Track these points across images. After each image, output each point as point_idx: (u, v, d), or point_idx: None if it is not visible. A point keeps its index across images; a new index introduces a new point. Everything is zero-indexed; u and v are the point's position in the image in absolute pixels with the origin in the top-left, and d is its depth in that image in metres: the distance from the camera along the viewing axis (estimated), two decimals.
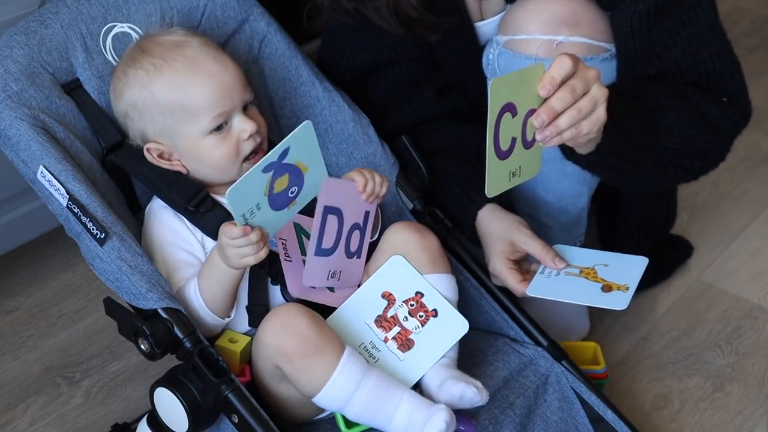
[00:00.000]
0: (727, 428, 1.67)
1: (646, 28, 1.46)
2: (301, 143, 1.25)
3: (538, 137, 1.26)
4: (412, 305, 1.39)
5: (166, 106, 1.36)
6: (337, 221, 1.35)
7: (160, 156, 1.40)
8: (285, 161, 1.24)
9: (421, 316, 1.38)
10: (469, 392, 1.32)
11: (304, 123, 1.25)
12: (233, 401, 1.25)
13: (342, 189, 1.35)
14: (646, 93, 1.46)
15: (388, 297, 1.38)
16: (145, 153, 1.40)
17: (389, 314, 1.38)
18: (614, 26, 1.49)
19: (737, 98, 1.51)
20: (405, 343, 1.37)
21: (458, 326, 1.39)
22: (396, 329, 1.37)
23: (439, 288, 1.41)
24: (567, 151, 1.43)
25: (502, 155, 1.26)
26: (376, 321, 1.37)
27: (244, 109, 1.39)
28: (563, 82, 1.23)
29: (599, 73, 1.27)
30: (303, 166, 1.28)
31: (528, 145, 1.28)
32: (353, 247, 1.39)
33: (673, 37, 1.46)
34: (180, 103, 1.36)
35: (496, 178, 1.27)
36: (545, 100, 1.24)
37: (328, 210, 1.33)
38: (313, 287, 1.38)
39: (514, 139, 1.26)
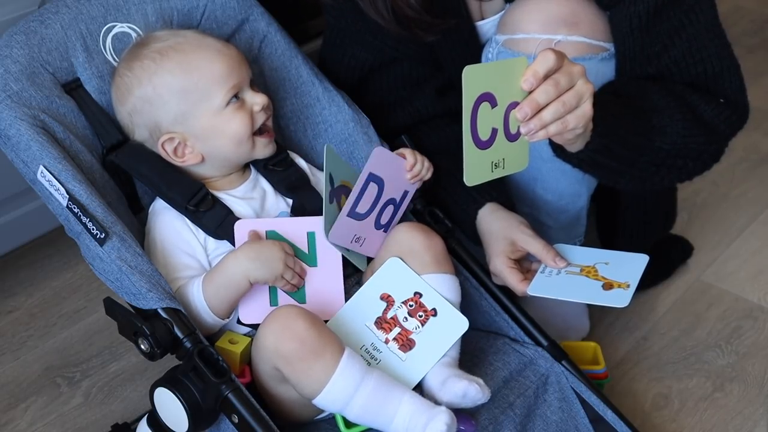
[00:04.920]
0: (727, 428, 1.67)
1: (645, 28, 1.46)
2: (334, 164, 1.40)
3: (522, 130, 1.26)
4: (411, 305, 1.39)
5: (179, 89, 1.37)
6: (377, 190, 1.38)
7: (175, 151, 1.40)
8: (336, 185, 1.39)
9: (420, 316, 1.38)
10: (472, 390, 1.32)
11: (325, 147, 1.37)
12: (233, 401, 1.25)
13: (390, 162, 1.41)
14: (641, 93, 1.46)
15: (387, 299, 1.39)
16: (159, 149, 1.40)
17: (389, 315, 1.38)
18: (613, 26, 1.49)
19: (735, 99, 1.51)
20: (406, 343, 1.37)
21: (458, 324, 1.39)
22: (396, 330, 1.37)
23: (441, 288, 1.41)
24: (557, 149, 1.43)
25: (482, 145, 1.25)
26: (376, 323, 1.37)
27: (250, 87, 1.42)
28: (548, 77, 1.23)
29: (585, 69, 1.26)
30: (348, 183, 1.42)
31: (512, 138, 1.28)
32: (383, 220, 1.42)
33: (672, 37, 1.46)
34: (192, 82, 1.37)
35: (476, 168, 1.27)
36: (529, 93, 1.24)
37: (372, 177, 1.37)
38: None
39: (495, 130, 1.26)
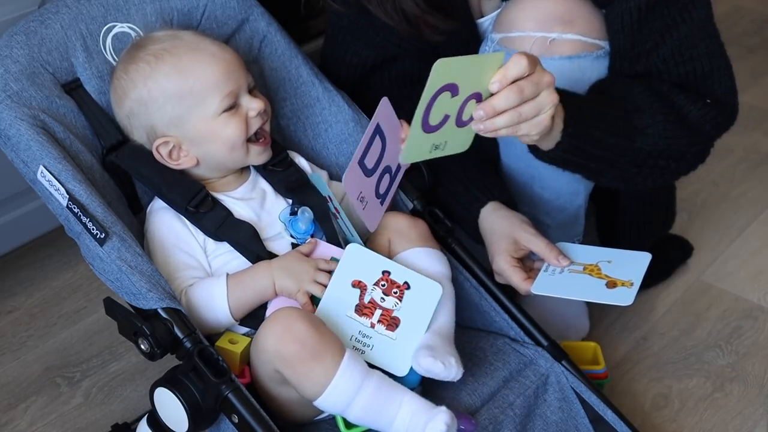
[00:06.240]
0: (727, 428, 1.67)
1: (637, 25, 1.45)
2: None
3: (473, 125, 1.27)
4: (383, 285, 1.39)
5: (174, 93, 1.36)
6: (380, 148, 1.37)
7: (170, 154, 1.40)
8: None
9: (395, 293, 1.39)
10: (436, 369, 1.32)
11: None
12: (233, 401, 1.25)
13: (392, 121, 1.39)
14: (625, 92, 1.46)
15: (359, 285, 1.38)
16: (155, 153, 1.40)
17: (366, 300, 1.38)
18: (608, 23, 1.49)
19: (724, 100, 1.50)
20: (391, 322, 1.37)
21: (433, 291, 1.40)
22: (378, 312, 1.37)
23: (430, 260, 1.43)
24: (530, 146, 1.43)
25: (429, 129, 1.27)
26: (356, 311, 1.37)
27: (249, 92, 1.41)
28: (516, 81, 1.24)
29: (554, 80, 1.27)
30: None
31: (461, 124, 1.29)
32: (381, 189, 1.41)
33: (663, 35, 1.46)
34: (188, 86, 1.36)
35: (415, 149, 1.29)
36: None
37: (378, 130, 1.35)
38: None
39: (446, 117, 1.26)
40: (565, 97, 1.35)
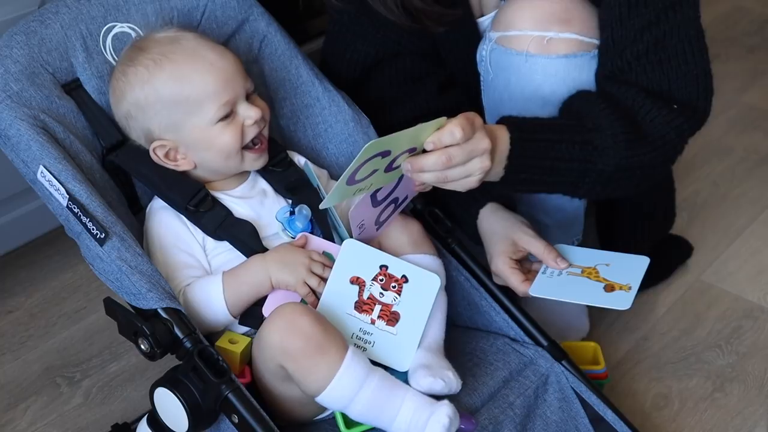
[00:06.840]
0: (727, 428, 1.67)
1: (618, 21, 1.44)
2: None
3: (402, 171, 1.30)
4: (381, 280, 1.39)
5: (170, 100, 1.36)
6: (395, 182, 1.38)
7: (167, 155, 1.40)
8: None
9: (394, 287, 1.39)
10: (437, 386, 1.32)
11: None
12: (233, 401, 1.25)
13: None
14: (589, 110, 1.44)
15: (357, 281, 1.38)
16: (151, 154, 1.40)
17: (365, 296, 1.38)
18: (599, 19, 1.49)
19: (696, 104, 1.47)
20: (391, 317, 1.37)
21: (432, 282, 1.40)
22: (378, 308, 1.37)
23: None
24: None
25: (354, 182, 1.28)
26: (356, 308, 1.37)
27: (247, 98, 1.40)
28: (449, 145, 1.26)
29: (489, 148, 1.29)
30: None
31: (390, 170, 1.30)
32: (382, 218, 1.42)
33: (642, 32, 1.44)
34: (184, 95, 1.36)
35: (338, 197, 1.31)
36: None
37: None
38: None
39: (375, 171, 1.28)
40: (517, 129, 1.36)
